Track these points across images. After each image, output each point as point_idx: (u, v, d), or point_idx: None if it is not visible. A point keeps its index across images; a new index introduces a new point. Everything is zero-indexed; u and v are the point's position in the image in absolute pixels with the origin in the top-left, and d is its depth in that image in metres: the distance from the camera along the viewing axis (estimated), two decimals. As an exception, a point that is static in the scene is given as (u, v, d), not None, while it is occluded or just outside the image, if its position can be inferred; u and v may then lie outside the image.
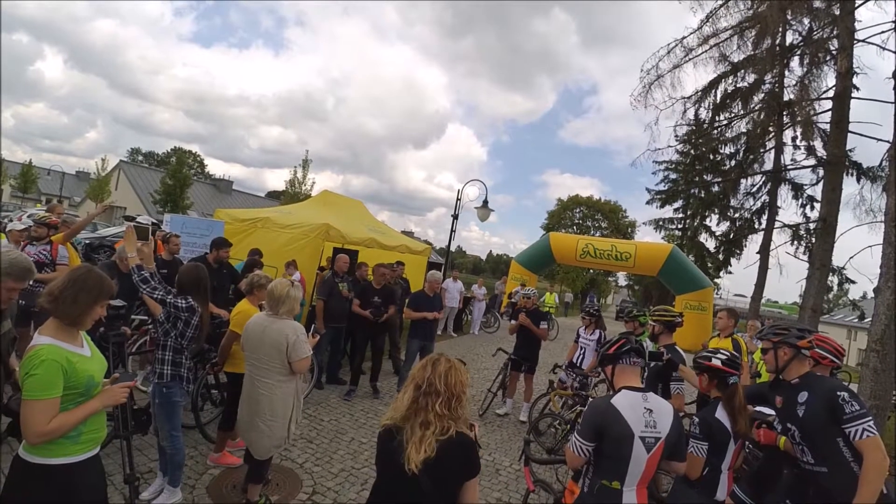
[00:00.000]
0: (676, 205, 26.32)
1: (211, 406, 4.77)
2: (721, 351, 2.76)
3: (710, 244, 24.28)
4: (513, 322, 6.51)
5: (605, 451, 2.19)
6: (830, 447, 2.44)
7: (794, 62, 11.81)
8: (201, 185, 43.05)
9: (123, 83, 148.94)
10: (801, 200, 14.10)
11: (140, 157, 64.84)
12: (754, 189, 15.72)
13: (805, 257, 12.08)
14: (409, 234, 36.51)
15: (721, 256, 21.79)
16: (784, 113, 12.48)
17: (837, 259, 10.43)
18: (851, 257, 10.40)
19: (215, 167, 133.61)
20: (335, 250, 8.15)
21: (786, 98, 12.19)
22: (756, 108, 12.98)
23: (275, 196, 49.46)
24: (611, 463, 2.17)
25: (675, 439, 2.23)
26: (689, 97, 12.88)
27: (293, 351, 3.13)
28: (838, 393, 2.43)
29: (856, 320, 20.82)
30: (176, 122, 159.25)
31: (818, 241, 10.18)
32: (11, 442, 3.52)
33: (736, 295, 44.00)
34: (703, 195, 20.39)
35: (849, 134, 9.93)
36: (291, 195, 27.95)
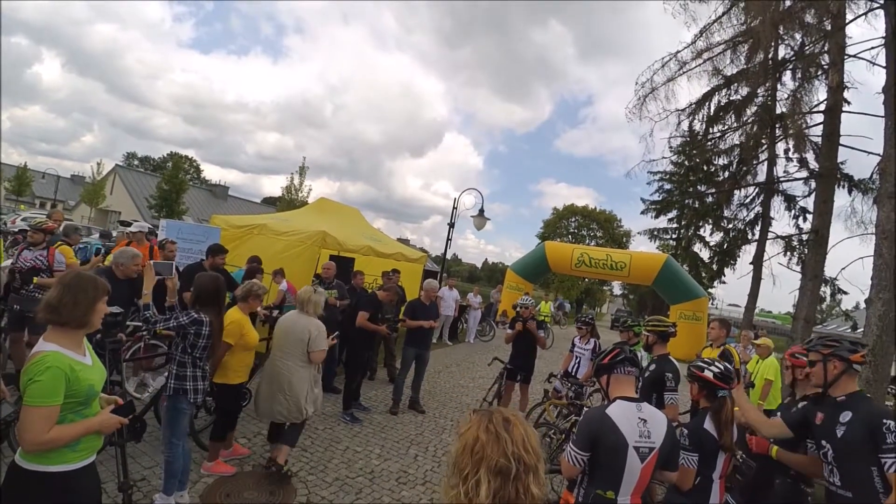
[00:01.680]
0: (671, 215, 26.56)
1: (205, 413, 4.75)
2: (717, 363, 2.78)
3: (705, 254, 24.51)
4: (509, 331, 6.53)
5: (599, 460, 2.20)
6: (861, 473, 2.32)
7: (787, 76, 11.99)
8: (197, 191, 42.98)
9: (122, 87, 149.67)
10: (793, 212, 14.24)
11: (136, 162, 64.70)
12: (748, 200, 15.86)
13: (798, 268, 12.15)
14: (405, 241, 36.50)
15: (715, 266, 21.95)
16: (777, 126, 12.64)
17: (830, 270, 10.55)
18: (843, 268, 10.52)
19: (211, 172, 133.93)
20: (331, 258, 8.16)
21: (778, 111, 12.35)
22: (749, 120, 13.14)
23: (270, 202, 49.42)
24: (605, 472, 2.19)
25: (668, 449, 2.26)
26: (683, 109, 13.03)
27: (313, 343, 3.96)
28: (885, 420, 2.29)
29: (849, 331, 20.97)
30: (173, 127, 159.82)
31: (811, 252, 10.27)
32: (5, 450, 3.51)
33: (730, 305, 44.27)
34: (697, 206, 20.55)
35: (840, 147, 10.06)
36: (288, 201, 27.97)
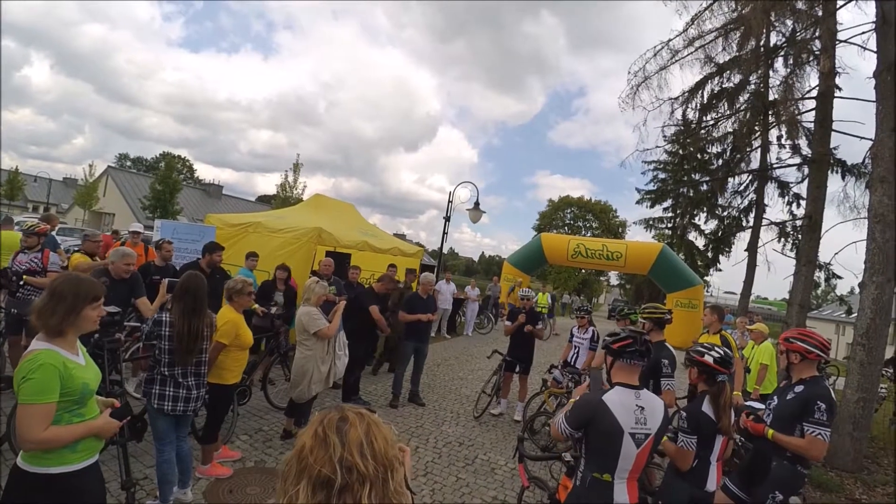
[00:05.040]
0: (666, 204, 26.59)
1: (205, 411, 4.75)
2: (717, 348, 2.81)
3: (700, 242, 24.64)
4: (508, 324, 6.57)
5: (594, 444, 2.24)
6: None
7: (779, 63, 11.98)
8: (191, 191, 42.72)
9: (111, 88, 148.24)
10: (787, 198, 14.30)
11: (128, 163, 64.19)
12: (741, 187, 15.92)
13: (792, 254, 12.22)
14: (401, 236, 36.50)
15: (710, 254, 22.08)
16: (769, 112, 12.65)
17: (824, 255, 10.56)
18: (837, 253, 10.61)
19: (205, 172, 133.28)
20: (327, 254, 8.16)
21: (770, 98, 12.36)
22: (742, 108, 13.14)
23: (265, 200, 49.22)
24: (601, 457, 2.23)
25: (663, 433, 2.30)
26: (676, 98, 13.00)
27: (308, 326, 4.38)
28: None
29: (843, 315, 21.14)
30: (165, 127, 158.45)
31: (804, 237, 10.31)
32: (6, 452, 3.51)
33: (726, 292, 44.38)
34: (691, 194, 20.63)
35: (832, 132, 10.06)
36: (282, 199, 27.85)
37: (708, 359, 2.72)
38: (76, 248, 11.37)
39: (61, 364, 1.87)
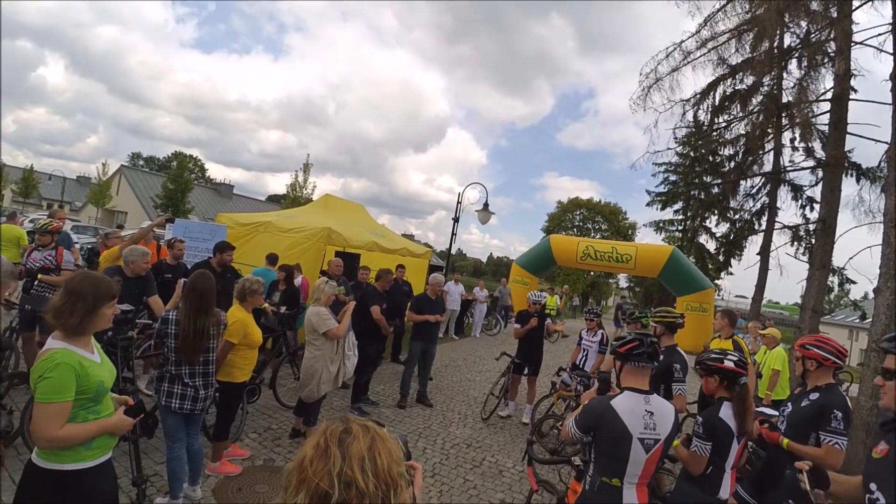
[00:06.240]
0: (676, 206, 26.32)
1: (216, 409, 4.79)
2: (730, 353, 2.78)
3: (711, 245, 24.33)
4: (517, 326, 6.54)
5: (602, 448, 2.23)
6: None
7: (793, 64, 11.86)
8: (202, 190, 43.11)
9: (124, 88, 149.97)
10: (800, 201, 14.12)
11: (141, 162, 64.97)
12: (754, 190, 15.76)
13: (805, 258, 12.10)
14: (410, 237, 36.55)
15: (721, 258, 21.83)
16: (783, 115, 12.53)
17: (837, 260, 10.44)
18: (851, 258, 10.44)
19: (216, 171, 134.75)
20: (337, 254, 8.20)
21: (784, 100, 12.24)
22: (755, 110, 13.03)
23: (275, 200, 49.56)
24: (610, 461, 2.22)
25: (673, 438, 2.27)
26: (687, 100, 12.95)
27: (318, 326, 4.36)
28: None
29: (857, 321, 20.83)
30: (176, 127, 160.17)
31: (818, 241, 10.19)
32: (18, 446, 3.56)
33: (737, 296, 44.02)
34: (703, 197, 20.42)
35: (847, 135, 9.95)
36: (292, 199, 28.01)
37: (729, 364, 2.68)
38: (90, 246, 11.54)
39: (77, 363, 1.88)
